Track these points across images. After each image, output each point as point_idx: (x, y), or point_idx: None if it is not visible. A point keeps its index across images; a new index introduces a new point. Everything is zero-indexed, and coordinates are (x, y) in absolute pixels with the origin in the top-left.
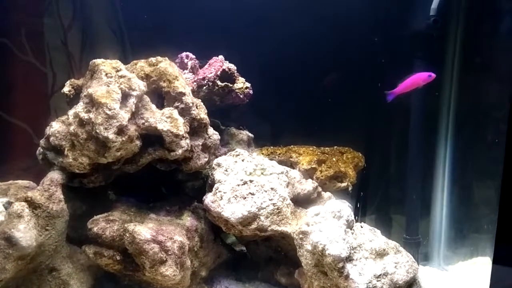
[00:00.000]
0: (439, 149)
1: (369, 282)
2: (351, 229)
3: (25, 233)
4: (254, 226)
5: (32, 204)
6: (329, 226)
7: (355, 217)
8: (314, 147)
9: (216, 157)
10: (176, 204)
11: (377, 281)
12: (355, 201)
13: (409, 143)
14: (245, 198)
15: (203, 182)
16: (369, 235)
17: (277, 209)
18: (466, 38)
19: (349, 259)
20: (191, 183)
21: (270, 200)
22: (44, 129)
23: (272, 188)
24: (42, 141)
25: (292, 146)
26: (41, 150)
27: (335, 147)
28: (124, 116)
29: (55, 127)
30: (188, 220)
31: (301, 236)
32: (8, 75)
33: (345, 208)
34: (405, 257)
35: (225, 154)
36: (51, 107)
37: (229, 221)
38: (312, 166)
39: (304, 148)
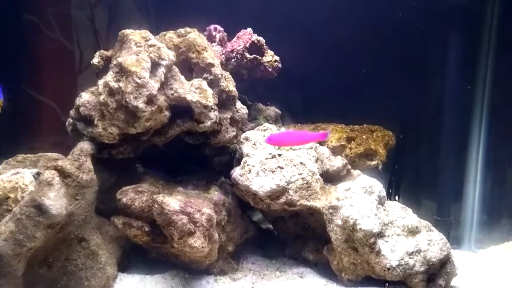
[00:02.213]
0: (473, 131)
1: (401, 259)
2: (382, 206)
3: (55, 201)
4: (282, 200)
5: (62, 173)
6: (360, 201)
7: (388, 195)
8: (343, 124)
9: (244, 132)
10: (203, 178)
11: (410, 258)
12: (388, 178)
13: (443, 124)
14: (274, 171)
15: (230, 158)
16: (401, 213)
17: (306, 183)
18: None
19: (380, 235)
20: (218, 158)
21: (299, 174)
22: (71, 107)
23: (301, 163)
24: (71, 112)
25: (320, 123)
26: (71, 120)
27: (365, 125)
28: (153, 85)
29: (85, 97)
30: (215, 194)
31: (331, 211)
32: (36, 53)
33: (377, 184)
34: (438, 235)
35: (252, 129)
36: (78, 84)
37: (257, 195)
38: (341, 143)
39: (332, 125)
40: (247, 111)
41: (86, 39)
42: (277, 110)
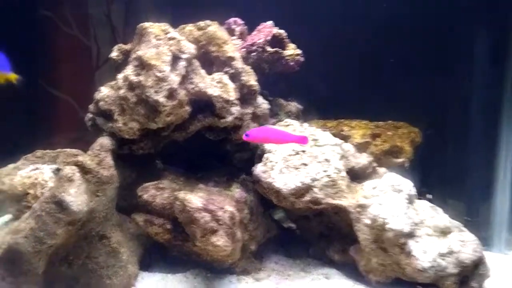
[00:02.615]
0: (502, 130)
1: (434, 260)
2: (411, 205)
3: (76, 197)
4: (307, 198)
5: (83, 169)
6: (389, 200)
7: (420, 193)
8: (366, 121)
9: None
10: (224, 175)
11: (442, 259)
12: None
13: (472, 123)
14: (298, 168)
15: (251, 154)
16: (431, 212)
17: (332, 181)
18: None
19: (411, 235)
20: (239, 154)
21: (324, 171)
22: (90, 103)
23: (326, 160)
24: (91, 107)
25: (343, 119)
26: (90, 115)
27: (389, 121)
28: (174, 79)
29: (104, 91)
30: (237, 191)
31: (358, 209)
32: (53, 49)
33: (406, 181)
34: (471, 235)
35: (273, 125)
36: (95, 80)
37: (280, 193)
38: (366, 140)
39: (356, 121)
40: (269, 106)
41: (103, 35)
42: (298, 105)
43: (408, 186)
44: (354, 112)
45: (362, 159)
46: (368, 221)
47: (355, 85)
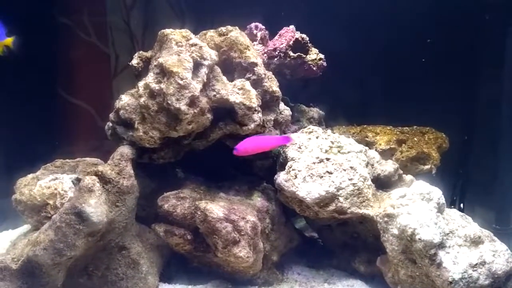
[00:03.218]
0: None
1: (465, 272)
2: (441, 214)
3: (96, 208)
4: (332, 207)
5: (103, 179)
6: (419, 209)
7: (452, 202)
8: (391, 126)
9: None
10: (245, 184)
11: (473, 270)
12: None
13: (503, 127)
14: (322, 177)
15: (273, 162)
16: (461, 221)
17: (358, 189)
18: None
19: (441, 245)
20: (260, 162)
21: (349, 180)
22: (108, 111)
23: (351, 167)
24: (111, 115)
25: (366, 125)
26: (110, 124)
27: (415, 126)
28: (196, 86)
29: (125, 99)
30: (258, 200)
31: (386, 219)
32: (71, 56)
33: (435, 190)
34: (502, 245)
35: (296, 131)
36: (113, 89)
37: (304, 202)
38: (391, 146)
39: (380, 127)
40: (291, 113)
41: (122, 42)
42: (320, 111)
43: (437, 194)
44: (378, 117)
45: (388, 166)
46: (396, 232)
47: (380, 90)
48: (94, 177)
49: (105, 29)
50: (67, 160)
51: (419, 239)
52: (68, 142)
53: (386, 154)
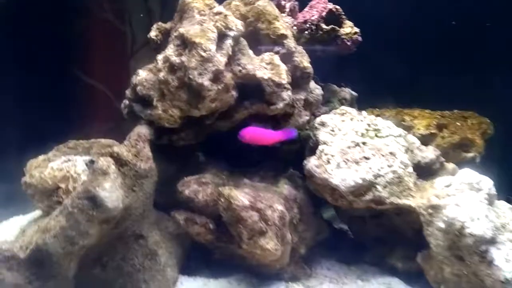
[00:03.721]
0: None
1: None
2: (491, 206)
3: (111, 192)
4: (369, 197)
5: (119, 161)
6: (468, 200)
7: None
8: (429, 110)
9: (316, 117)
10: (271, 169)
11: None
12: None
13: None
14: (358, 163)
15: (301, 146)
16: (511, 214)
17: (398, 177)
18: None
19: (493, 241)
20: (287, 146)
21: (389, 166)
22: (124, 91)
23: (391, 153)
24: (127, 92)
25: (401, 108)
26: (127, 102)
27: (455, 110)
28: (220, 59)
29: (142, 74)
30: (285, 188)
31: (430, 211)
32: (86, 35)
33: (485, 179)
34: None
35: (326, 113)
36: (130, 68)
37: (337, 190)
38: (431, 131)
39: (418, 110)
40: (322, 92)
41: (139, 20)
42: (352, 92)
43: (488, 184)
44: (415, 100)
45: (429, 153)
46: (442, 225)
47: (418, 71)
48: (109, 158)
49: (122, 6)
50: (81, 141)
51: (469, 233)
52: (83, 123)
53: (424, 140)
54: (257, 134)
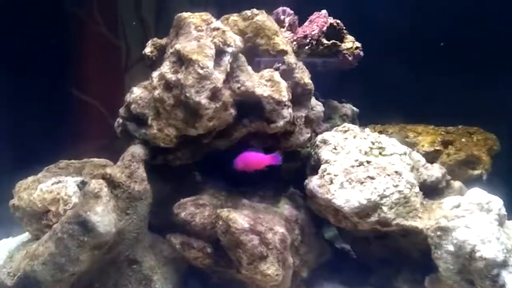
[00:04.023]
0: None
1: None
2: (502, 227)
3: (103, 216)
4: (374, 218)
5: (111, 183)
6: (478, 222)
7: None
8: (433, 126)
9: (317, 134)
10: (270, 189)
11: None
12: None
13: None
14: (363, 183)
15: (301, 164)
16: None
17: (404, 198)
18: None
19: (504, 264)
20: (287, 165)
21: (394, 186)
22: (118, 108)
23: (396, 172)
24: (121, 110)
25: (404, 124)
26: (120, 121)
27: (460, 126)
28: (218, 77)
29: (137, 92)
30: (286, 208)
31: (439, 233)
32: (79, 48)
33: (495, 199)
34: None
35: (327, 130)
36: (125, 84)
37: (341, 211)
38: (436, 148)
39: (421, 126)
40: (323, 109)
41: (134, 34)
42: (354, 108)
43: (498, 204)
44: (417, 116)
45: (435, 171)
46: (451, 248)
47: (419, 86)
48: (101, 181)
49: (116, 19)
50: (72, 161)
51: (480, 257)
52: (75, 141)
53: (429, 157)
54: (249, 160)
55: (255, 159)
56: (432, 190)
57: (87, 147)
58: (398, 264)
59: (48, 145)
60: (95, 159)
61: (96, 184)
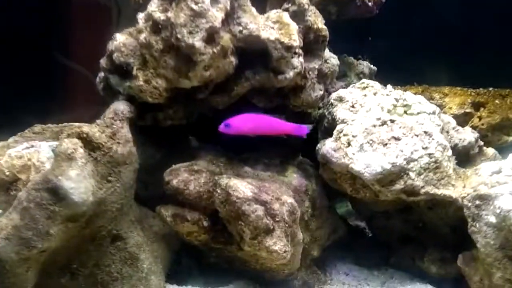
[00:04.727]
0: None
1: None
2: None
3: (78, 182)
4: (399, 186)
5: (89, 144)
6: None
7: None
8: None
9: (330, 94)
10: (276, 156)
11: None
12: None
13: None
14: (386, 144)
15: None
16: None
17: (435, 162)
18: None
19: None
20: None
21: (424, 148)
22: None
23: (425, 132)
24: (102, 61)
25: (428, 85)
26: (102, 74)
27: (490, 88)
28: (215, 15)
29: (120, 39)
30: (294, 177)
31: (477, 202)
32: (65, 11)
33: None
34: None
35: (345, 87)
36: None
37: (360, 179)
38: (466, 110)
39: (447, 87)
40: (338, 62)
41: None
42: (371, 66)
43: None
44: (443, 77)
45: (467, 135)
46: (493, 219)
47: (446, 44)
48: (75, 140)
49: None
50: (49, 125)
51: None
52: (62, 110)
53: (458, 121)
54: (253, 124)
55: (271, 123)
56: (463, 157)
57: (75, 117)
58: (423, 242)
59: (32, 115)
60: (76, 124)
61: (69, 144)
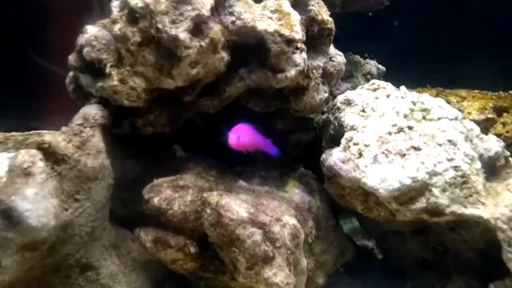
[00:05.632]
0: None
1: None
2: None
3: (36, 203)
4: (421, 204)
5: (52, 156)
6: None
7: None
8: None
9: (334, 96)
10: (275, 168)
11: None
12: None
13: None
14: (404, 155)
15: (315, 136)
16: None
17: (462, 176)
18: None
19: None
20: (296, 136)
21: (448, 160)
22: None
23: (450, 141)
24: (71, 58)
25: (442, 88)
26: (71, 74)
27: (511, 91)
28: (203, 1)
29: (92, 31)
30: (295, 192)
31: None
32: (40, 3)
33: None
34: None
35: (352, 89)
36: None
37: (373, 195)
38: (488, 116)
39: (464, 91)
40: (345, 60)
41: None
42: (380, 66)
43: None
44: (459, 79)
45: (493, 144)
46: None
47: (463, 44)
48: (34, 151)
49: None
50: (13, 133)
51: None
52: (38, 115)
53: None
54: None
55: (259, 138)
56: (487, 169)
57: (50, 122)
58: (443, 267)
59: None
60: (45, 131)
61: (26, 156)
